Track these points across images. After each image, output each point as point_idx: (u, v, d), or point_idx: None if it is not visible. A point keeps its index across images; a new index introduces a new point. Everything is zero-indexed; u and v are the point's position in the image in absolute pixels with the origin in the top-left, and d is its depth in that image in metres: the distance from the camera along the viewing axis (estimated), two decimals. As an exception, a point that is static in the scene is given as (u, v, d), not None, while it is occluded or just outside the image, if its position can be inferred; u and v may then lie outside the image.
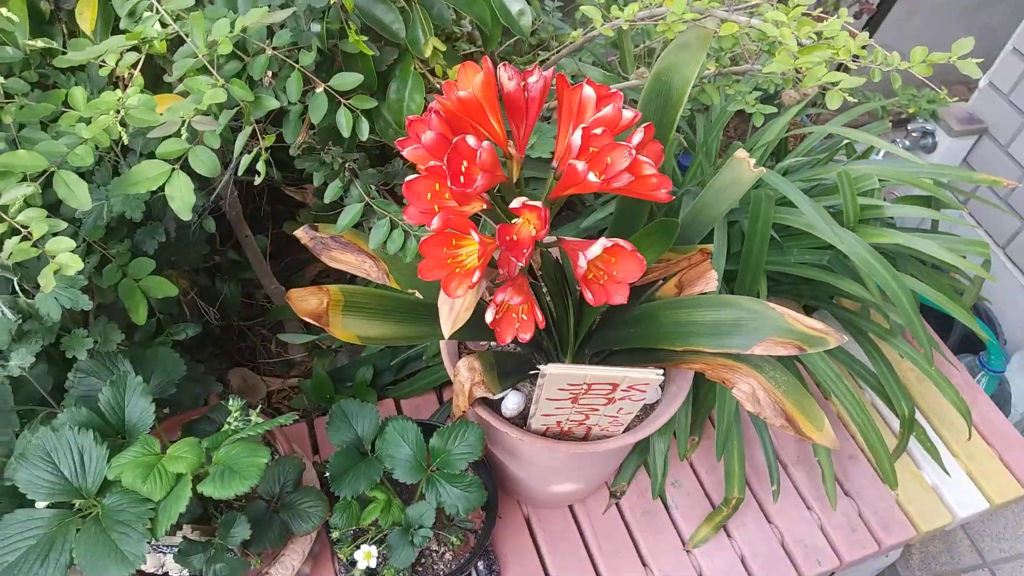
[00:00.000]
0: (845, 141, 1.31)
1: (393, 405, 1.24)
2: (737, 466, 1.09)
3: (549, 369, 0.68)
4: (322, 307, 0.64)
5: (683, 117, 1.40)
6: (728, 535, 1.12)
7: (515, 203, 0.55)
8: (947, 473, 1.18)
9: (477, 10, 0.79)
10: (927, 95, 1.58)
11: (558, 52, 0.97)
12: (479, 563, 1.05)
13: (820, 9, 1.19)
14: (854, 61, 0.63)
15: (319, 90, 0.69)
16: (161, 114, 0.60)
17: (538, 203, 0.54)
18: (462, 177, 0.55)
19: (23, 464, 0.70)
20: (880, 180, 1.14)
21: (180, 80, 0.66)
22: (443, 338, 0.68)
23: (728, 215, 1.16)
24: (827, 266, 1.10)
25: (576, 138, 0.56)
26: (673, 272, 0.83)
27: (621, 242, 0.57)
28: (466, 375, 0.85)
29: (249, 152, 0.65)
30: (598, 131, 0.57)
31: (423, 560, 0.91)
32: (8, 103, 0.68)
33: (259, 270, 1.20)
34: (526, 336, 0.61)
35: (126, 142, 0.59)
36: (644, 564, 1.09)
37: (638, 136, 0.59)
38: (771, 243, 1.12)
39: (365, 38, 0.70)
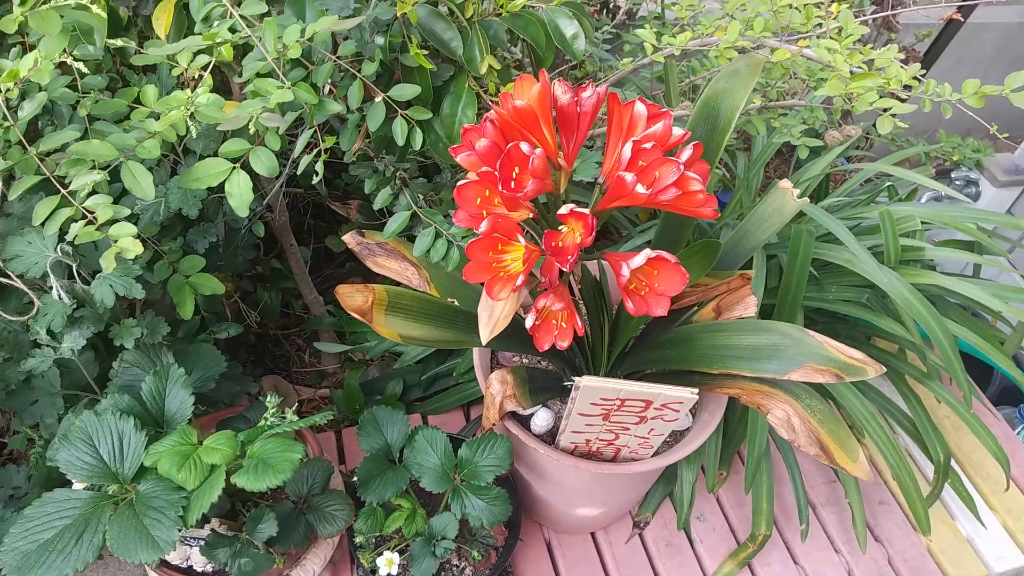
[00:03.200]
0: (887, 184, 1.31)
1: (420, 420, 1.24)
2: (765, 502, 1.07)
3: (584, 381, 0.69)
4: (367, 304, 0.65)
5: (726, 151, 1.42)
6: (752, 573, 1.10)
7: (563, 210, 0.56)
8: (983, 525, 1.15)
9: (532, 32, 0.81)
10: (972, 144, 1.58)
11: (606, 80, 0.99)
12: (499, 584, 1.04)
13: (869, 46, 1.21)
14: (905, 91, 0.64)
15: (378, 99, 0.71)
16: (228, 113, 0.62)
17: (585, 211, 0.55)
18: (513, 183, 0.57)
19: (65, 445, 0.71)
20: (923, 222, 1.14)
21: (248, 82, 0.69)
22: (480, 344, 0.68)
23: (767, 249, 1.16)
24: (866, 304, 1.09)
25: (626, 151, 0.57)
26: (711, 296, 0.84)
27: (664, 254, 0.58)
28: (498, 388, 0.86)
29: (309, 153, 0.67)
30: (648, 145, 0.58)
31: (443, 574, 0.91)
32: (84, 97, 0.71)
33: (300, 280, 1.22)
34: (564, 343, 0.61)
35: (195, 135, 0.61)
36: (665, 597, 1.08)
37: (687, 153, 0.60)
38: (810, 279, 1.12)
39: (425, 52, 0.72)
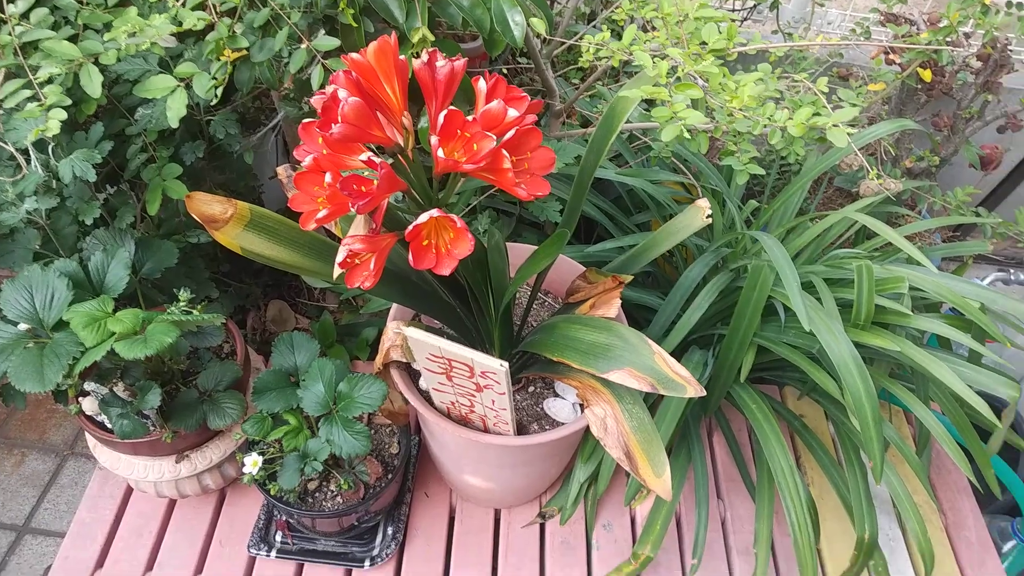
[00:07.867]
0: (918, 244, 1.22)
1: (383, 369, 1.33)
2: (659, 525, 1.05)
3: (407, 331, 0.73)
4: (225, 215, 0.74)
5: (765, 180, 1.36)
6: (638, 595, 1.08)
7: (362, 156, 0.61)
8: (902, 621, 1.05)
9: (478, 14, 0.86)
10: (1053, 228, 1.41)
11: (590, 79, 1.01)
12: (389, 527, 1.10)
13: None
14: (740, 112, 0.62)
15: (303, 46, 0.80)
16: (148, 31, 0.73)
17: (378, 159, 0.60)
18: (334, 125, 0.63)
19: (10, 286, 0.86)
20: (914, 288, 1.06)
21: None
22: (330, 277, 0.75)
23: (734, 281, 1.13)
24: (813, 355, 1.04)
25: (440, 117, 0.61)
26: (594, 294, 0.85)
27: (454, 217, 0.61)
28: (391, 336, 0.92)
29: (215, 79, 0.77)
30: (470, 118, 0.62)
31: (316, 494, 0.99)
32: (83, 8, 0.85)
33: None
34: (367, 285, 0.66)
35: (129, 54, 0.73)
36: (541, 589, 1.09)
37: (511, 132, 0.63)
38: (774, 318, 1.08)
39: (353, 11, 0.80)
